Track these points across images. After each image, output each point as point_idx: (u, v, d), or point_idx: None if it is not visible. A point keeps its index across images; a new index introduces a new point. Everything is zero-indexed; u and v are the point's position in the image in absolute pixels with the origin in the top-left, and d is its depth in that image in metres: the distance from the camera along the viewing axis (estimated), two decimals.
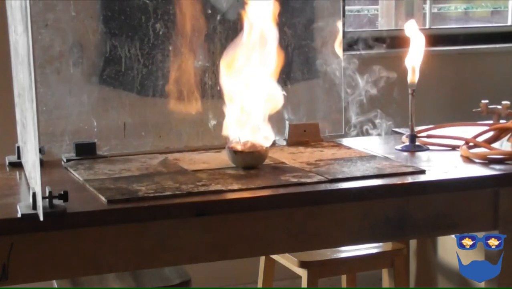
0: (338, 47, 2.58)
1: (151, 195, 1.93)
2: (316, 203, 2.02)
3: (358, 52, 3.65)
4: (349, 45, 3.64)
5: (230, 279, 3.47)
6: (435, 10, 4.21)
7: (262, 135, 2.21)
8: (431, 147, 2.45)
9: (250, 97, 2.23)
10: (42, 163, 2.19)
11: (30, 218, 1.77)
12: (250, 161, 2.17)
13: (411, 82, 2.43)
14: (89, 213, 1.84)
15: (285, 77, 2.57)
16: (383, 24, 4.04)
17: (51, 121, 2.36)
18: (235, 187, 2.01)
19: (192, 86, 2.49)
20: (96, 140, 2.39)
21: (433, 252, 2.76)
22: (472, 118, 2.83)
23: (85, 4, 2.39)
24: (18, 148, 2.30)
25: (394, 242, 2.70)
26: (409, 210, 2.11)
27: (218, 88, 2.50)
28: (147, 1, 2.44)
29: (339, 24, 2.60)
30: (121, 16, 2.42)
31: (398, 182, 2.09)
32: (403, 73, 2.46)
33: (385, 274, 2.78)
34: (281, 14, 2.56)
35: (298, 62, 2.60)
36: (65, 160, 2.33)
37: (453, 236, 2.13)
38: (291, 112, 2.53)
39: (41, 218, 1.75)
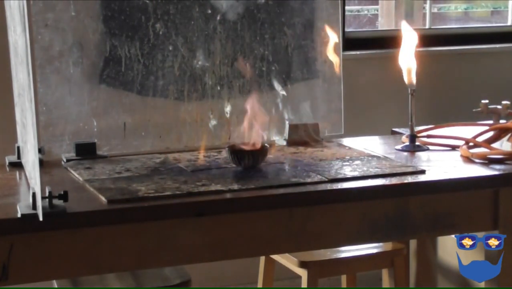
0: (337, 47, 2.57)
1: (151, 195, 1.93)
2: (316, 203, 2.02)
3: (358, 52, 3.66)
4: (349, 45, 3.65)
5: (230, 279, 3.47)
6: (435, 10, 4.21)
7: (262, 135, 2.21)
8: (431, 147, 2.45)
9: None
10: (42, 163, 2.20)
11: (30, 218, 1.77)
12: (250, 161, 2.17)
13: (410, 83, 2.43)
14: (89, 213, 1.84)
15: (285, 77, 2.57)
16: (383, 24, 4.04)
17: (51, 121, 2.35)
18: (235, 187, 2.01)
19: (192, 87, 2.49)
20: (96, 140, 2.39)
21: (433, 252, 2.76)
22: (472, 118, 2.83)
23: (85, 4, 2.39)
24: (18, 148, 2.30)
25: (394, 242, 2.70)
26: (409, 210, 2.11)
27: (218, 88, 2.50)
28: (147, 1, 2.44)
29: (339, 24, 2.60)
30: (121, 16, 2.42)
31: (398, 182, 2.09)
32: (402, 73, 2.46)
33: (385, 274, 2.78)
34: (281, 14, 2.56)
35: (298, 62, 2.60)
36: (65, 160, 2.33)
37: (453, 236, 2.13)
38: (291, 112, 2.53)
39: (41, 218, 1.75)
